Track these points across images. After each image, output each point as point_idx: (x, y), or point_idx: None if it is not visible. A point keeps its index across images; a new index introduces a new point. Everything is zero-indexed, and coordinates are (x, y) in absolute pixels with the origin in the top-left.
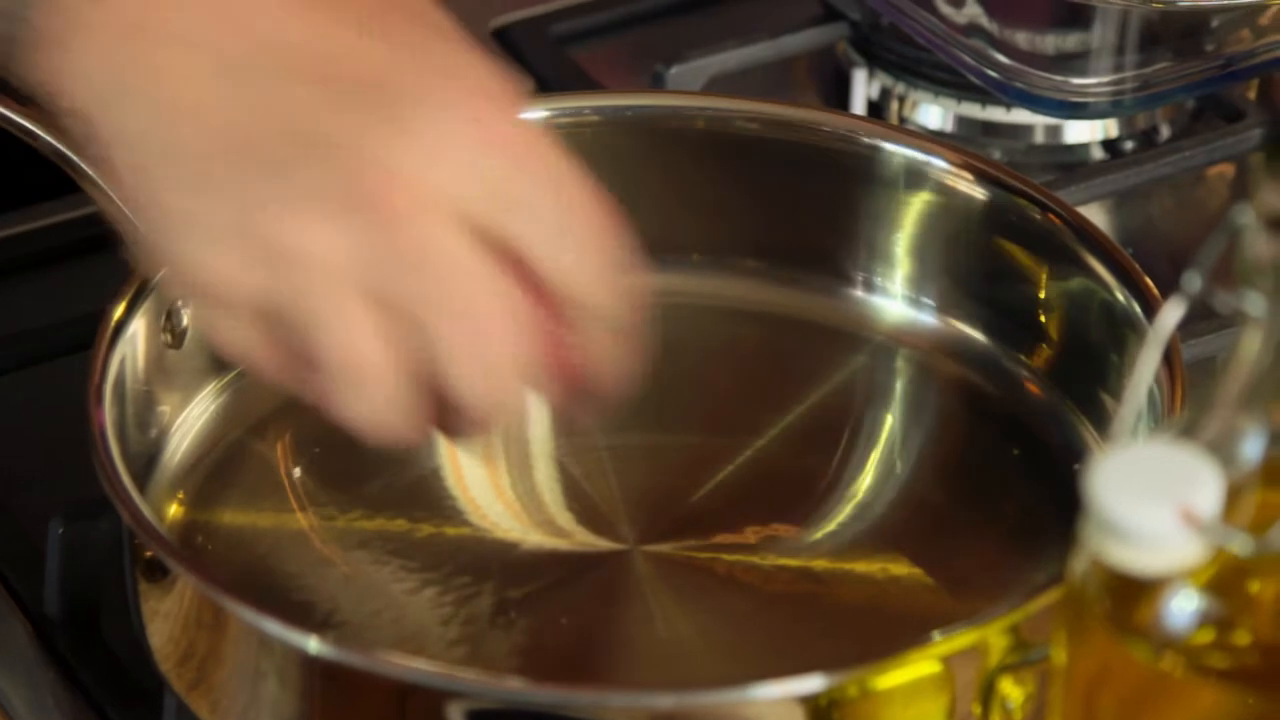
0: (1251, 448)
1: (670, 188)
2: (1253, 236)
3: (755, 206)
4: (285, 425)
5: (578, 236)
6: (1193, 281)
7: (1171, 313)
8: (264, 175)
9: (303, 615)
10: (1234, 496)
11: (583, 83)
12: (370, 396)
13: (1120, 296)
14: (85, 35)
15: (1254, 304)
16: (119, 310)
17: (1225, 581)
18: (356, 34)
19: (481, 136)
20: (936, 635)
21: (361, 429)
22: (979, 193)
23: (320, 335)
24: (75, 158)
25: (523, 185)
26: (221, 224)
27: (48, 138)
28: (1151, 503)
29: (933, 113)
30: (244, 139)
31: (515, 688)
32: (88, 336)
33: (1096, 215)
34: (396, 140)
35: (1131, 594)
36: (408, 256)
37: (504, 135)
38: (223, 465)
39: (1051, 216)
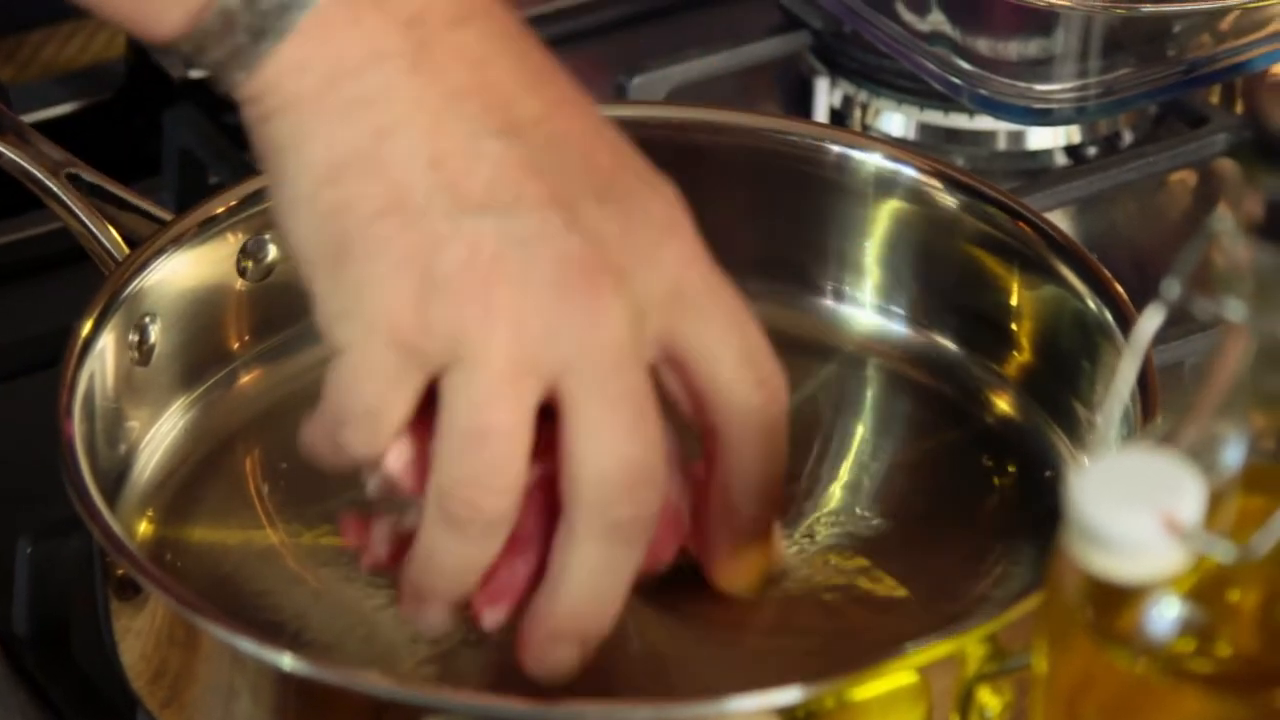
0: (1232, 454)
1: None
2: (1230, 242)
3: (722, 217)
4: (254, 441)
5: (743, 355)
6: (1172, 288)
7: (1150, 320)
8: (467, 214)
9: (273, 632)
10: (1215, 503)
11: None
12: (482, 461)
13: (1092, 304)
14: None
15: (1233, 310)
16: (87, 327)
17: (1206, 590)
18: (572, 121)
19: (683, 253)
20: (914, 646)
21: (446, 502)
22: (949, 201)
23: (466, 381)
24: (39, 174)
25: (701, 289)
26: (412, 251)
27: (11, 155)
28: (1133, 510)
29: (895, 120)
30: (454, 177)
31: (490, 703)
32: (55, 353)
33: (1060, 221)
34: (606, 208)
35: (1113, 602)
36: (587, 322)
37: (701, 261)
38: (192, 482)
39: (1022, 224)
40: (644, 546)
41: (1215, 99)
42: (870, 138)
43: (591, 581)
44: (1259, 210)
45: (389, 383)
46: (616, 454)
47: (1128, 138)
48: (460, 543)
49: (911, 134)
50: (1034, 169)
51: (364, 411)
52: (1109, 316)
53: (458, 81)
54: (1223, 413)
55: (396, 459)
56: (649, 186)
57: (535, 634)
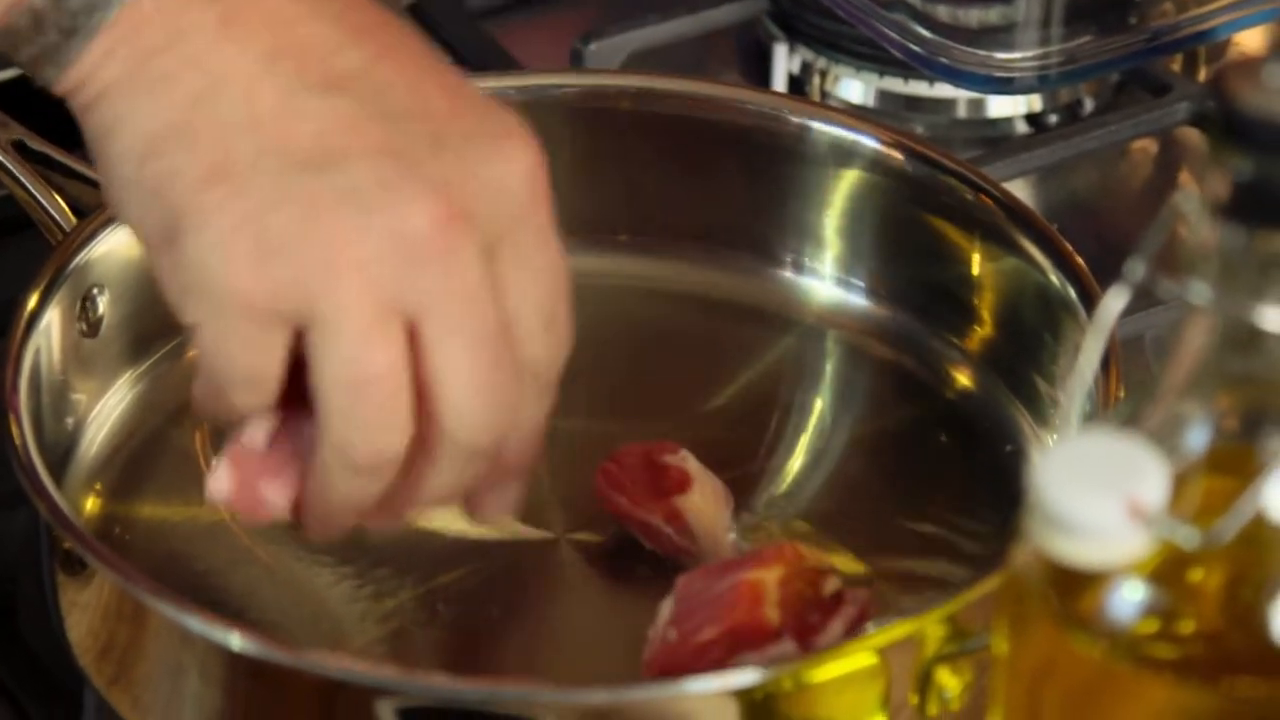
0: (1196, 437)
1: (594, 167)
2: (1196, 222)
3: (681, 186)
4: None
5: (551, 309)
6: (1135, 269)
7: (1114, 301)
8: (294, 172)
9: (222, 608)
10: (1180, 486)
11: (500, 58)
12: (370, 408)
13: (1054, 278)
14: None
15: (1197, 291)
16: (33, 300)
17: (1169, 571)
18: (399, 70)
19: (520, 170)
20: (872, 627)
21: (347, 451)
22: (909, 171)
23: (332, 338)
24: None
25: (531, 229)
26: (242, 217)
27: None
28: (1096, 495)
29: (854, 87)
30: (278, 138)
31: (442, 684)
32: (2, 324)
33: (1021, 190)
34: (443, 157)
35: (1075, 585)
36: (438, 266)
37: (535, 174)
38: (141, 455)
39: (983, 196)
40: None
41: (1177, 67)
42: (830, 108)
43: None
44: (1224, 190)
45: (254, 349)
46: (480, 392)
47: (1089, 106)
48: (363, 482)
49: (871, 101)
50: (995, 137)
51: (240, 379)
52: (1071, 291)
53: (269, 43)
54: (1187, 395)
55: (258, 431)
56: (489, 128)
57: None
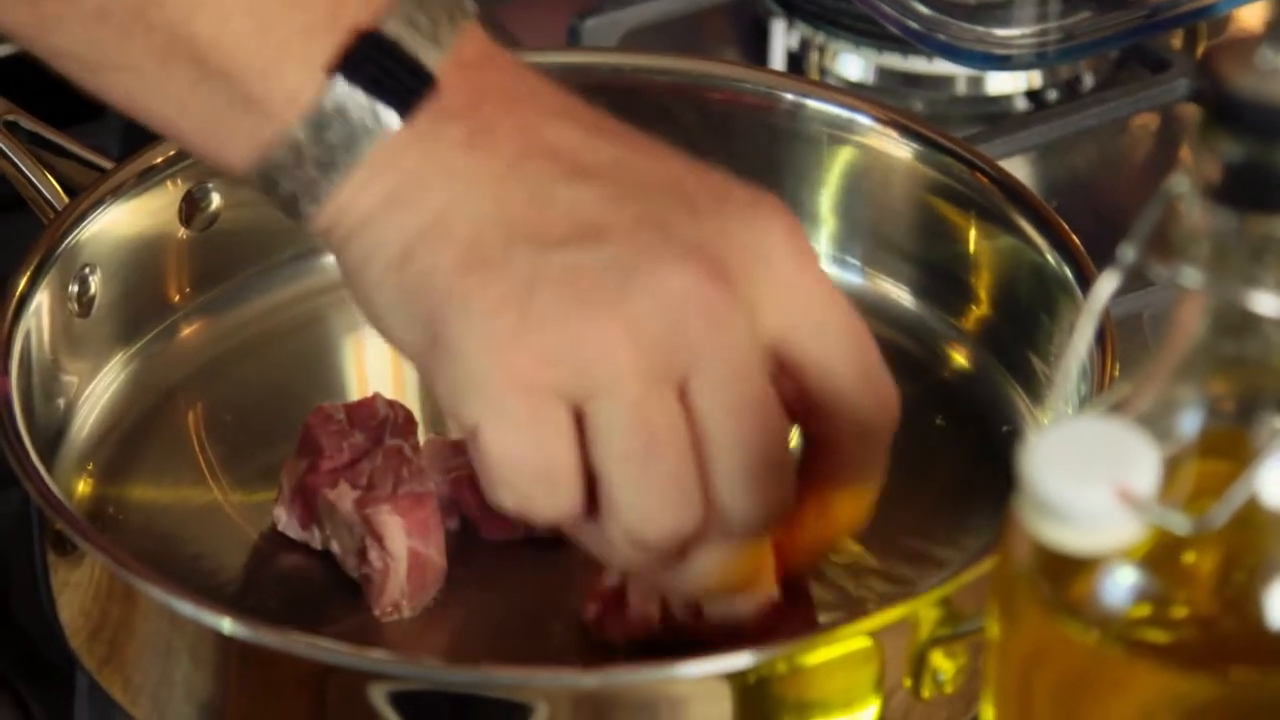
0: (1188, 421)
1: None
2: (1188, 206)
3: None
4: (196, 395)
5: (862, 371)
6: (1128, 253)
7: (1105, 285)
8: (552, 251)
9: (215, 590)
10: (1171, 471)
11: (499, 35)
12: (659, 477)
13: (1050, 258)
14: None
15: (1189, 276)
16: (23, 281)
17: (1161, 556)
18: (650, 159)
19: (794, 249)
20: (866, 610)
21: (639, 530)
22: (905, 150)
23: (612, 406)
24: None
25: (824, 313)
26: (502, 299)
27: None
28: (1087, 482)
29: (853, 63)
30: (531, 224)
31: (434, 668)
32: None
33: (1020, 167)
34: (697, 222)
35: (1066, 571)
36: (700, 320)
37: (799, 240)
38: (133, 437)
39: (979, 175)
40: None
41: (1177, 43)
42: (825, 85)
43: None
44: (1214, 173)
45: (538, 434)
46: (752, 460)
47: (1089, 82)
48: (647, 560)
49: (870, 78)
50: (994, 114)
51: (532, 474)
52: (1067, 270)
53: (519, 146)
54: (1179, 378)
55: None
56: (743, 196)
57: None
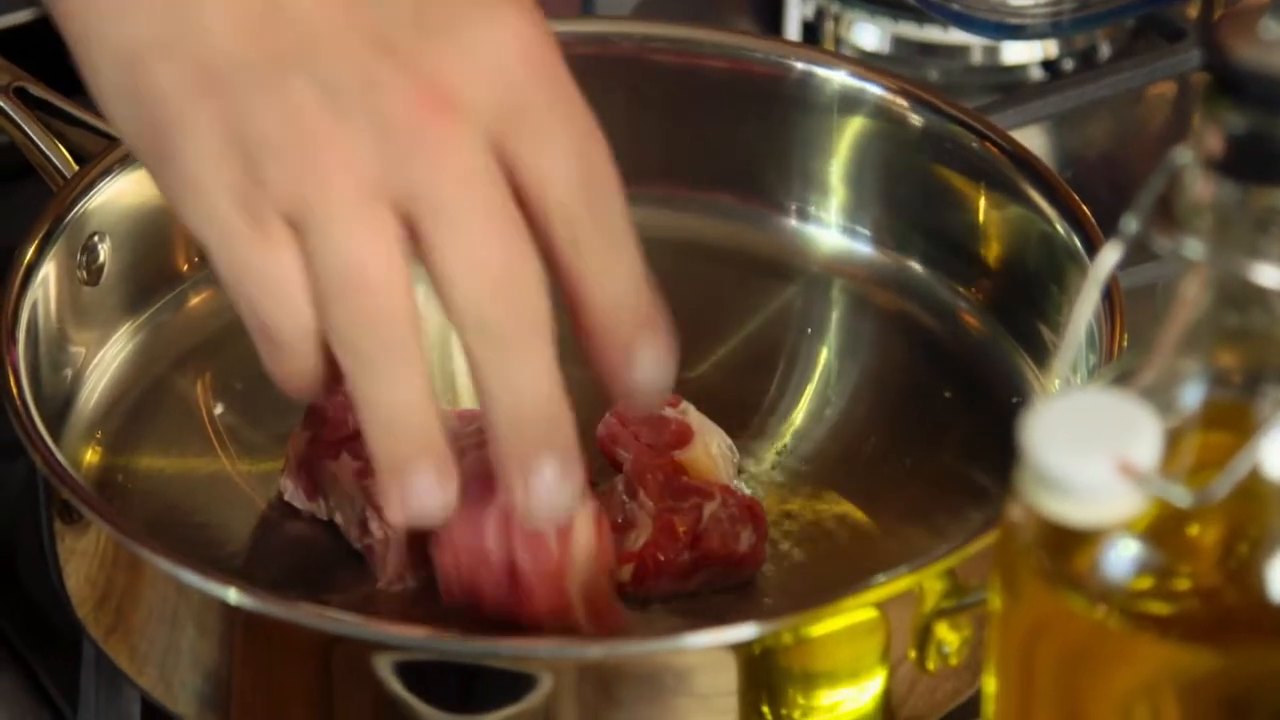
0: (1191, 393)
1: (601, 116)
2: (1191, 177)
3: (688, 135)
4: (205, 363)
5: (587, 170)
6: (1131, 224)
7: (1109, 256)
8: (278, 75)
9: (222, 559)
10: (1173, 443)
11: None
12: (369, 303)
13: (1060, 228)
14: None
15: (1192, 247)
16: (30, 250)
17: (1163, 528)
18: None
19: (516, 46)
20: (871, 581)
21: (355, 345)
22: (915, 119)
23: (328, 237)
24: None
25: (542, 105)
26: (229, 129)
27: None
28: (1088, 454)
29: (869, 32)
30: (261, 40)
31: (440, 638)
32: (2, 272)
33: (1036, 137)
34: (428, 41)
35: (1068, 544)
36: (426, 157)
37: (535, 47)
38: (141, 406)
39: (989, 144)
40: (542, 348)
41: (1193, 12)
42: (836, 55)
43: (512, 397)
44: (1217, 145)
45: (258, 242)
46: (480, 261)
47: (1105, 51)
48: (389, 384)
49: (885, 47)
50: (1009, 83)
51: (261, 286)
52: (1076, 240)
53: None
54: (1183, 351)
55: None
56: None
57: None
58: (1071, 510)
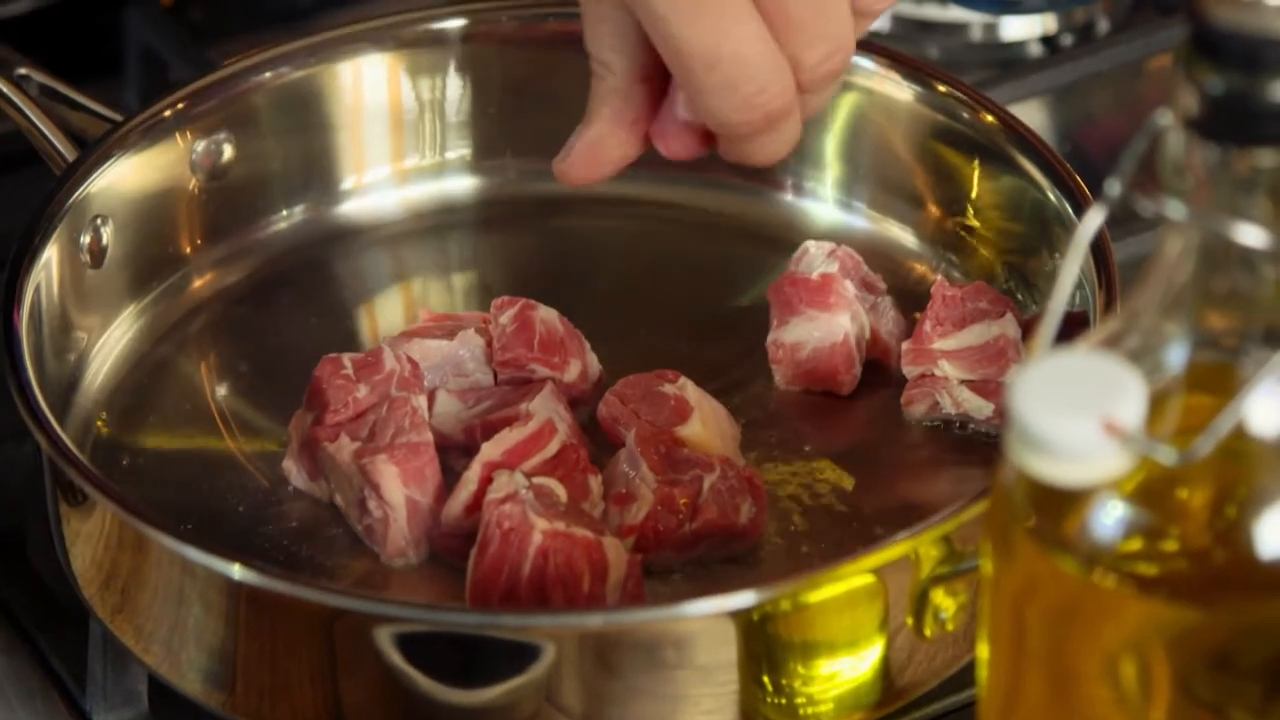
0: (1175, 354)
1: None
2: (1173, 139)
3: None
4: (208, 346)
5: None
6: (1114, 187)
7: (1092, 220)
8: None
9: (226, 537)
10: (1158, 403)
11: None
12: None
13: (1051, 196)
14: None
15: (1174, 208)
16: (33, 237)
17: (1151, 489)
18: None
19: None
20: (867, 549)
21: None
22: (907, 92)
23: None
24: None
25: None
26: None
27: None
28: (1074, 415)
29: None
30: None
31: (441, 610)
32: (4, 256)
33: (1036, 112)
34: None
35: (1056, 506)
36: None
37: None
38: (146, 386)
39: (981, 115)
40: None
41: None
42: None
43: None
44: (1196, 106)
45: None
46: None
47: (1103, 26)
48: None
49: (885, 25)
50: (1008, 59)
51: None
52: (1068, 208)
53: None
54: (1166, 313)
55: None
56: None
57: None
58: (1059, 471)
